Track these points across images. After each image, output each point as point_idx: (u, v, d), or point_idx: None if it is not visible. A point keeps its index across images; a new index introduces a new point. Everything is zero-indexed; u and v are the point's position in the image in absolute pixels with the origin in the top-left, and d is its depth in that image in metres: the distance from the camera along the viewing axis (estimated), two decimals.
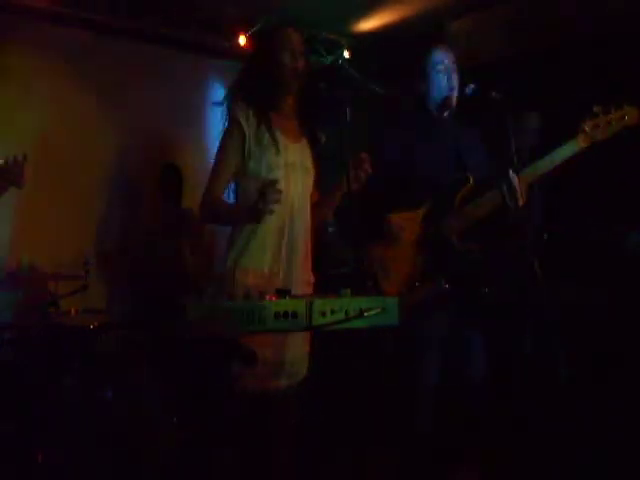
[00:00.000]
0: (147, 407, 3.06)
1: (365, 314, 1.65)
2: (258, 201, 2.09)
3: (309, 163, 2.39)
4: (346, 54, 4.71)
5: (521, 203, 2.39)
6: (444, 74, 2.60)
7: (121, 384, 3.08)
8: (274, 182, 2.11)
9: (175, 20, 4.29)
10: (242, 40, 4.36)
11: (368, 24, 4.47)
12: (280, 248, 2.30)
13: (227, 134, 2.30)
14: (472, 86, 2.55)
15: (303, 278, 2.36)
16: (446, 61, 2.61)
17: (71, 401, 2.98)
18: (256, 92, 2.31)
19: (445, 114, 2.64)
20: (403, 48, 4.20)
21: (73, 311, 3.32)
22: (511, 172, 2.37)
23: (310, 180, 2.40)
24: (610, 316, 3.23)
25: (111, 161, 4.27)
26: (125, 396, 3.06)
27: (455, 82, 2.59)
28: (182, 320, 1.47)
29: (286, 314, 1.57)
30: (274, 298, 1.59)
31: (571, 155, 2.42)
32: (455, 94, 2.58)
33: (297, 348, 2.31)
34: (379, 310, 1.68)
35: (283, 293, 1.61)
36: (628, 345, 3.18)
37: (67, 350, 3.09)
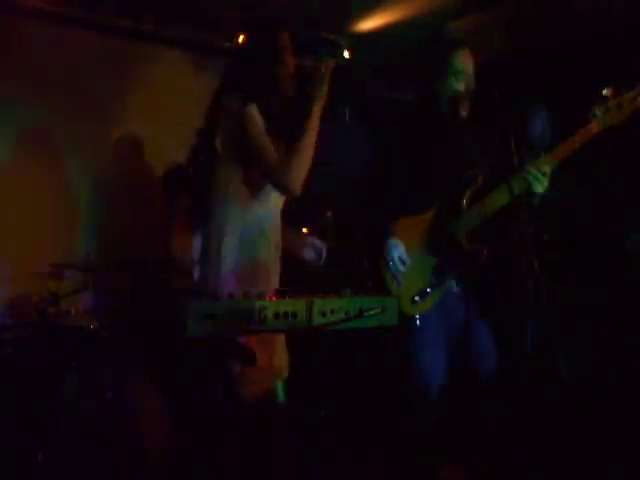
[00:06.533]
0: (147, 407, 3.06)
1: (365, 314, 1.65)
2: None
3: None
4: (346, 54, 4.70)
5: (543, 189, 2.38)
6: (464, 82, 2.53)
7: (121, 384, 3.08)
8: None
9: (175, 20, 4.29)
10: (242, 40, 4.36)
11: (368, 24, 4.46)
12: (275, 249, 2.32)
13: (253, 123, 2.24)
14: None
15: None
16: (468, 68, 2.54)
17: (71, 401, 2.98)
18: (262, 96, 2.30)
19: (457, 115, 2.57)
20: (403, 48, 4.21)
21: (73, 311, 3.32)
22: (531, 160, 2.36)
23: None
24: (610, 316, 3.23)
25: (113, 162, 4.26)
26: (125, 396, 3.06)
27: (472, 79, 2.53)
28: (182, 320, 1.47)
29: (286, 314, 1.57)
30: (274, 298, 1.59)
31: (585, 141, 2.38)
32: (469, 91, 2.52)
33: (282, 348, 2.33)
34: (379, 310, 1.68)
35: (283, 293, 1.62)
36: (628, 344, 3.17)
37: (67, 350, 3.09)
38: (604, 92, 2.37)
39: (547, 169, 2.37)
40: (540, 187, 2.37)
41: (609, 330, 3.21)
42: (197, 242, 2.46)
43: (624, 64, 3.54)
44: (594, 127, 2.37)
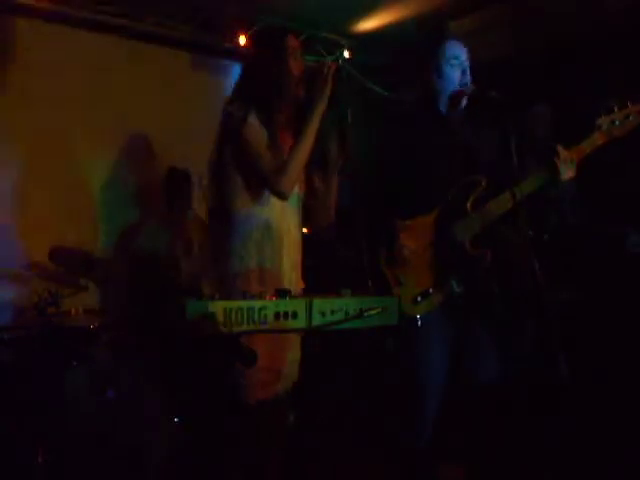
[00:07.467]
0: (147, 407, 3.06)
1: (365, 314, 1.65)
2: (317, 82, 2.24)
3: None
4: (346, 54, 4.70)
5: (572, 175, 2.39)
6: (459, 68, 2.53)
7: (121, 384, 3.08)
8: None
9: (175, 20, 4.29)
10: (242, 40, 4.36)
11: (368, 24, 4.46)
12: (282, 250, 2.33)
13: (251, 134, 2.27)
14: (472, 86, 2.54)
15: (297, 280, 2.39)
16: (462, 56, 2.55)
17: (71, 401, 2.98)
18: (263, 100, 2.31)
19: (456, 112, 2.58)
20: (403, 48, 4.21)
21: (73, 311, 3.31)
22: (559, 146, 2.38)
23: (301, 187, 2.46)
24: (610, 316, 3.23)
25: (112, 162, 4.27)
26: (125, 396, 3.06)
27: (469, 78, 2.53)
28: (182, 320, 1.47)
29: (286, 314, 1.57)
30: (274, 298, 1.58)
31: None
32: (467, 91, 2.52)
33: (293, 353, 2.34)
34: (379, 310, 1.68)
35: (283, 293, 1.61)
36: (628, 345, 3.17)
37: (67, 350, 3.09)
38: (609, 104, 2.39)
39: (575, 157, 2.38)
40: (565, 174, 2.38)
41: (609, 330, 3.21)
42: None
43: (625, 64, 3.55)
44: (599, 138, 2.39)
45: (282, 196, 2.29)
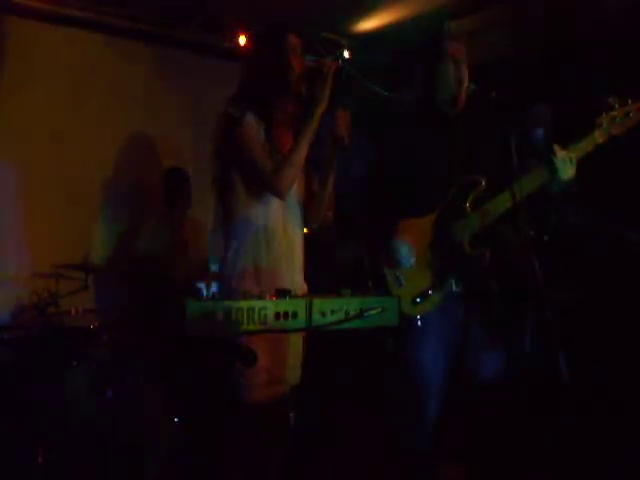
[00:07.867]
0: (147, 407, 3.06)
1: (365, 314, 1.65)
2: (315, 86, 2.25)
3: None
4: (346, 54, 4.70)
5: (572, 174, 2.38)
6: (454, 67, 2.52)
7: (121, 384, 3.08)
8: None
9: (175, 20, 4.29)
10: (242, 40, 4.36)
11: (368, 24, 4.46)
12: (279, 250, 2.32)
13: (248, 134, 2.28)
14: (472, 86, 2.53)
15: (300, 282, 2.39)
16: (456, 54, 2.54)
17: (71, 401, 2.98)
18: (262, 99, 2.31)
19: (455, 111, 2.57)
20: (403, 48, 4.21)
21: (73, 311, 3.31)
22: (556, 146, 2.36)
23: (301, 186, 2.46)
24: (610, 316, 3.23)
25: (113, 162, 4.26)
26: (125, 396, 3.06)
27: (465, 76, 2.52)
28: (182, 319, 1.47)
29: (286, 314, 1.57)
30: (274, 298, 1.59)
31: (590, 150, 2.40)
32: (464, 89, 2.51)
33: (295, 354, 2.34)
34: (379, 310, 1.68)
35: (283, 293, 1.61)
36: (628, 344, 3.17)
37: (67, 350, 3.09)
38: (609, 102, 2.38)
39: (574, 156, 2.38)
40: (565, 173, 2.37)
41: (609, 330, 3.21)
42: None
43: (627, 64, 3.54)
44: (600, 136, 2.38)
45: (280, 196, 2.29)
